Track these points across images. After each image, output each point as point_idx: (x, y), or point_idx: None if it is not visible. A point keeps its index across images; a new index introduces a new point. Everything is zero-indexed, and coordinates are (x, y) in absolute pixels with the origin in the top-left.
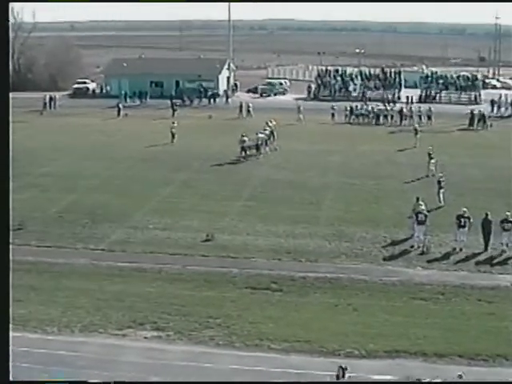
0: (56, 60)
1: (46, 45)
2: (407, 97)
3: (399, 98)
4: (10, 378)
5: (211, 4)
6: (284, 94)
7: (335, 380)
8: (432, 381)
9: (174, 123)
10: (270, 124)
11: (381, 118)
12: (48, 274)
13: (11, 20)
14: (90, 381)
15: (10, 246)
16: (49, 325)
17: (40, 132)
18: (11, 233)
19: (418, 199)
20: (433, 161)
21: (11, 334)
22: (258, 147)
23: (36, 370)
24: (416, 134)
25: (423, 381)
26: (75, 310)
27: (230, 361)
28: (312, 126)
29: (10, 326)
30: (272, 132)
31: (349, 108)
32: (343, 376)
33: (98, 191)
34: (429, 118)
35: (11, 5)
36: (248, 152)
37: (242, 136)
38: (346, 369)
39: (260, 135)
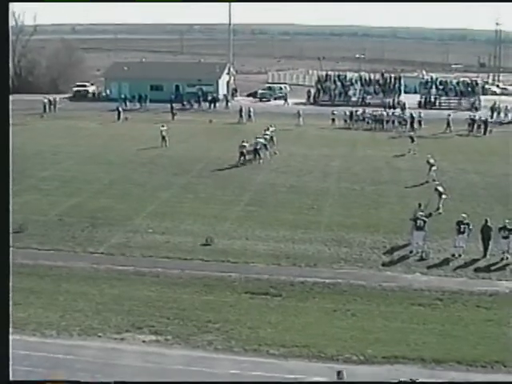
0: (57, 63)
1: (47, 48)
2: (404, 102)
3: (399, 103)
4: (10, 378)
5: (212, 8)
6: (284, 98)
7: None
8: (426, 381)
9: (163, 126)
10: (270, 129)
11: (380, 123)
12: (47, 277)
13: (12, 23)
14: (90, 381)
15: (10, 249)
16: (47, 328)
17: (40, 135)
18: (11, 236)
19: (420, 205)
20: (434, 167)
21: (11, 336)
22: (256, 152)
23: (34, 373)
24: (412, 141)
25: (417, 381)
26: (74, 314)
27: (229, 365)
28: (312, 131)
29: (10, 326)
30: (272, 137)
31: (348, 113)
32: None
33: (99, 195)
34: (420, 123)
35: (12, 7)
36: (247, 157)
37: (243, 142)
38: (341, 375)
39: (259, 140)
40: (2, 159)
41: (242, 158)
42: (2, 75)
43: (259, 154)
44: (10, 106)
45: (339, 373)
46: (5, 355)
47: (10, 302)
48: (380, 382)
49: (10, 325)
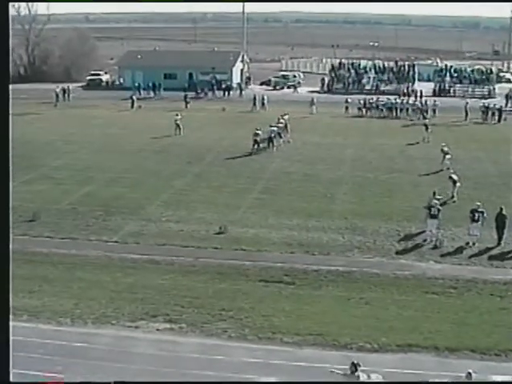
0: (70, 52)
1: (60, 37)
2: (421, 90)
3: (413, 91)
4: (11, 379)
5: None
6: (297, 87)
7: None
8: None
9: (177, 115)
10: (284, 117)
11: (394, 111)
12: (61, 265)
13: (26, 12)
14: (90, 381)
15: (23, 237)
16: (62, 316)
17: (54, 124)
18: (24, 224)
19: (434, 193)
20: (448, 156)
21: (22, 324)
22: (270, 140)
23: (49, 362)
24: (426, 129)
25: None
26: (88, 302)
27: (243, 353)
28: (325, 119)
29: (10, 326)
30: (286, 125)
31: (362, 101)
32: (355, 371)
33: (112, 183)
34: (434, 111)
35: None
36: (261, 145)
37: (256, 130)
38: (359, 365)
39: (272, 128)
40: (1, 151)
41: (256, 146)
42: (2, 74)
43: (273, 142)
44: (11, 102)
45: (354, 364)
46: (5, 356)
47: (10, 302)
48: (390, 382)
49: (10, 325)
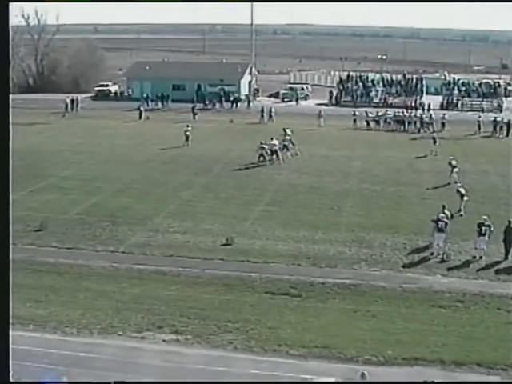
0: (79, 62)
1: (69, 47)
2: (429, 103)
3: (421, 104)
4: (11, 379)
5: (234, 8)
6: (306, 99)
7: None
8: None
9: (188, 126)
10: (288, 132)
11: (402, 124)
12: (68, 275)
13: (35, 22)
14: (90, 381)
15: (30, 247)
16: (68, 326)
17: (62, 134)
18: (32, 234)
19: (443, 207)
20: (456, 169)
21: (27, 333)
22: (275, 153)
23: (54, 371)
24: (434, 142)
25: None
26: (94, 312)
27: (248, 365)
28: (333, 132)
29: (11, 326)
30: (290, 139)
31: (370, 114)
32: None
33: (119, 194)
34: (443, 125)
35: (35, 6)
36: (267, 158)
37: (261, 143)
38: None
39: (274, 141)
40: (2, 160)
41: (262, 158)
42: (2, 75)
43: (278, 155)
44: (10, 107)
45: (362, 374)
46: (5, 355)
47: (11, 303)
48: (402, 382)
49: (10, 324)
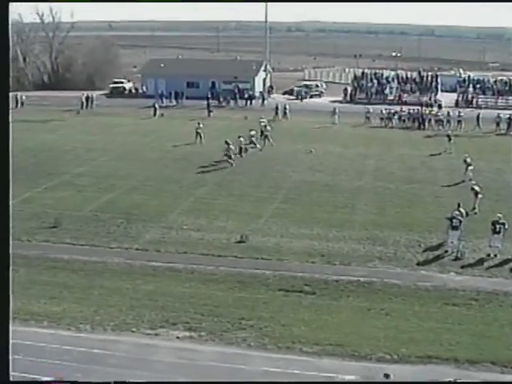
0: (94, 59)
1: (84, 44)
2: (443, 101)
3: (436, 101)
4: (11, 379)
5: (248, 5)
6: (320, 96)
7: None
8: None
9: (199, 124)
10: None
11: (417, 121)
12: (82, 272)
13: (49, 19)
14: (90, 381)
15: (44, 243)
16: (82, 322)
17: (77, 131)
18: (46, 230)
19: (459, 205)
20: (471, 167)
21: (46, 330)
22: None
23: (69, 368)
24: (449, 140)
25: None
26: (108, 309)
27: (262, 363)
28: (347, 129)
29: (11, 326)
30: (261, 132)
31: (385, 111)
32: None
33: (133, 191)
34: (459, 122)
35: (49, 4)
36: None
37: (239, 137)
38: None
39: (252, 132)
40: (2, 156)
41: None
42: (2, 75)
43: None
44: (11, 106)
45: (387, 376)
46: (5, 355)
47: (11, 302)
48: (424, 382)
49: (10, 324)
